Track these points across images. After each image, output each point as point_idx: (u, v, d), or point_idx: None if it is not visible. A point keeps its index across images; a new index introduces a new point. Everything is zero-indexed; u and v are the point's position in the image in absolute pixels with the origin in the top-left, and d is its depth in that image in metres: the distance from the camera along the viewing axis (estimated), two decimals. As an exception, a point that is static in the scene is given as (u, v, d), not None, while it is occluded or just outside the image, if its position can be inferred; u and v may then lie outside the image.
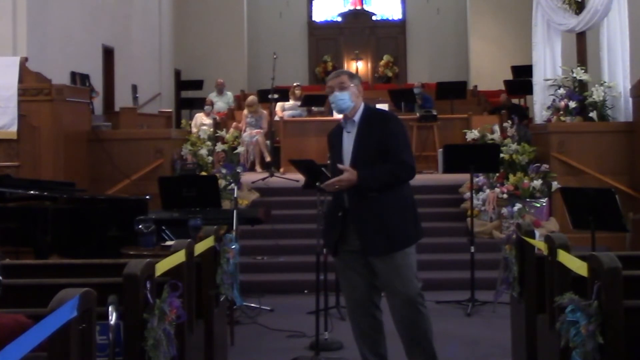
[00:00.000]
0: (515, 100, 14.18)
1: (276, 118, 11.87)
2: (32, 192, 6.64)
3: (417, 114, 12.18)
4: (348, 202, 4.08)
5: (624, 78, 8.62)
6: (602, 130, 8.54)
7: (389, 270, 4.05)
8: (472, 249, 6.89)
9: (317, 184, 5.52)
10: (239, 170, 9.16)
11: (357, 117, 4.15)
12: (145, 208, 6.18)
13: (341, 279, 4.25)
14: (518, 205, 8.14)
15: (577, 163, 8.35)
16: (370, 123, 4.12)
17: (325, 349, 5.38)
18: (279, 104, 12.20)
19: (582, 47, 9.13)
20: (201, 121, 12.05)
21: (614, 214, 5.50)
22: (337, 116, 12.66)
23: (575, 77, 8.90)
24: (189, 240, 4.24)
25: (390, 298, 4.12)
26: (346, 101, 4.11)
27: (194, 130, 10.47)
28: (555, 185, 8.18)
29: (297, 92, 13.16)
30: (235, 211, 6.16)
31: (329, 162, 5.52)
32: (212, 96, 14.27)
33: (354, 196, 4.06)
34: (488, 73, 16.74)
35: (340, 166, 4.04)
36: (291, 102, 12.89)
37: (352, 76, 4.24)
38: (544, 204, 8.29)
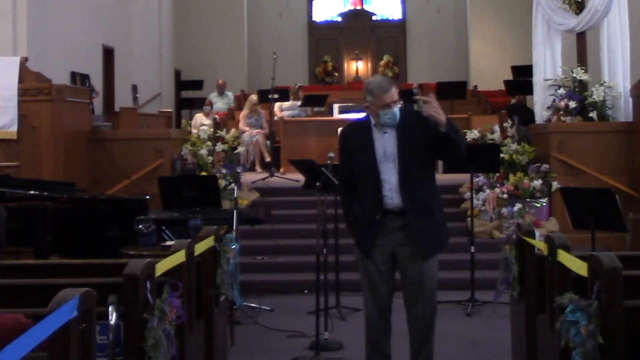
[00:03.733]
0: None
1: (275, 118, 11.86)
2: (32, 192, 6.64)
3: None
4: (403, 203, 4.01)
5: (624, 78, 8.62)
6: (602, 130, 8.54)
7: (423, 269, 4.06)
8: (472, 249, 6.89)
9: (317, 184, 5.54)
10: (239, 170, 9.16)
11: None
12: (145, 208, 6.17)
13: (365, 282, 4.20)
14: (518, 205, 8.14)
15: (577, 163, 8.35)
16: (409, 123, 4.09)
17: (325, 349, 5.38)
18: (277, 104, 12.16)
19: (582, 47, 9.13)
20: (200, 121, 12.04)
21: (614, 214, 5.51)
22: (338, 116, 12.75)
23: (575, 77, 8.90)
24: (189, 240, 4.24)
25: (414, 295, 4.11)
26: (398, 116, 4.06)
27: (193, 131, 10.47)
28: (555, 185, 8.18)
29: (300, 93, 13.17)
30: (235, 211, 6.16)
31: (330, 157, 5.54)
32: (213, 96, 14.27)
33: (409, 196, 4.01)
34: (488, 73, 16.74)
35: (423, 98, 3.94)
36: (289, 103, 12.87)
37: (394, 85, 4.17)
38: (544, 204, 8.29)
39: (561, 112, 8.79)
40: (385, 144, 4.07)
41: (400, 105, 4.09)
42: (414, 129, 4.07)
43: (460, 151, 4.08)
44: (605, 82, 8.66)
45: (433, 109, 3.87)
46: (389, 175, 4.04)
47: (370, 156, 4.06)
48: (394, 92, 4.06)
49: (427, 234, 4.07)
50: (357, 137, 4.17)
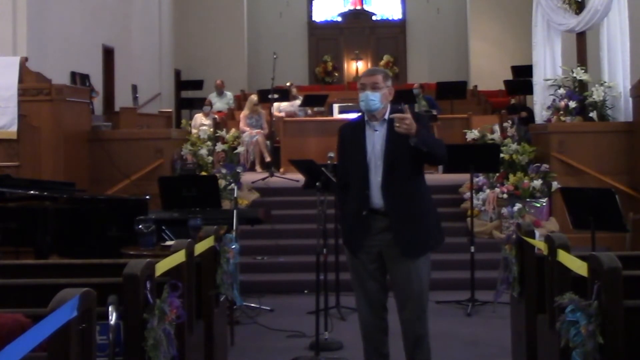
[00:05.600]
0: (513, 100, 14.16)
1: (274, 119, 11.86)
2: (32, 192, 6.64)
3: (417, 114, 12.13)
4: (385, 203, 4.01)
5: (624, 78, 8.62)
6: (602, 130, 8.54)
7: (411, 269, 4.04)
8: (472, 249, 6.89)
9: (317, 184, 5.54)
10: (239, 170, 9.16)
11: (387, 117, 4.07)
12: (145, 208, 6.17)
13: (354, 280, 4.21)
14: (518, 205, 8.14)
15: (577, 163, 8.35)
16: None
17: (325, 349, 5.38)
18: (274, 105, 12.15)
19: (582, 47, 9.13)
20: (200, 121, 12.04)
21: (614, 214, 5.50)
22: (338, 116, 12.77)
23: (575, 77, 8.91)
24: (189, 240, 4.24)
25: (402, 297, 4.10)
26: (376, 103, 4.02)
27: (193, 131, 10.46)
28: (555, 185, 8.19)
29: (294, 90, 13.17)
30: (235, 211, 6.16)
31: (330, 157, 5.54)
32: (212, 97, 14.28)
33: (391, 196, 4.00)
34: (488, 73, 16.75)
35: (404, 108, 3.88)
36: (286, 104, 12.87)
37: (387, 77, 4.11)
38: (544, 204, 8.29)
39: (561, 112, 8.79)
40: (375, 141, 4.06)
41: (377, 92, 4.00)
42: None
43: (437, 159, 4.07)
44: (605, 82, 8.66)
45: (404, 126, 3.80)
46: (376, 174, 4.04)
47: (360, 154, 4.05)
48: (376, 78, 4.04)
49: (409, 234, 4.02)
50: (352, 135, 4.17)
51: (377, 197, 4.03)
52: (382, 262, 4.11)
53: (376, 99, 4.02)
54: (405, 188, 4.02)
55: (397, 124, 3.81)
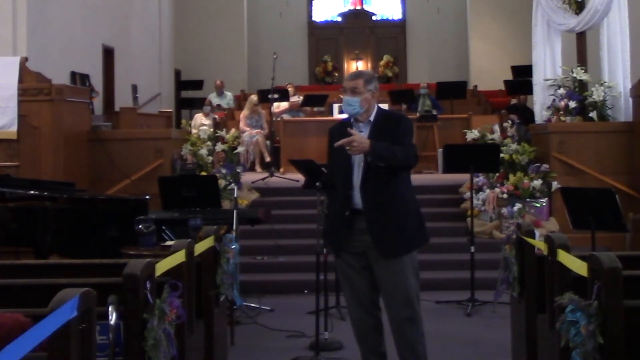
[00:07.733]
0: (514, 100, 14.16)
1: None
2: (32, 192, 6.64)
3: (417, 114, 12.19)
4: (362, 203, 4.03)
5: (624, 78, 8.63)
6: (602, 130, 8.54)
7: (394, 271, 4.03)
8: (472, 249, 6.89)
9: (317, 184, 5.54)
10: (239, 170, 9.16)
11: (371, 119, 4.10)
12: (145, 208, 6.16)
13: (342, 280, 4.23)
14: (518, 205, 8.14)
15: (577, 163, 8.35)
16: (385, 125, 4.09)
17: (325, 349, 5.38)
18: (274, 104, 12.13)
19: (582, 47, 9.14)
20: (200, 121, 12.04)
21: (614, 214, 5.51)
22: (338, 116, 12.78)
23: (575, 77, 8.91)
24: (189, 240, 4.24)
25: (389, 298, 4.10)
26: (355, 107, 4.06)
27: (193, 131, 10.46)
28: (555, 185, 8.19)
29: (290, 89, 13.18)
30: (235, 211, 6.16)
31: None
32: (212, 97, 14.28)
33: (369, 196, 4.01)
34: (488, 73, 16.75)
35: (350, 130, 3.96)
36: (286, 104, 12.86)
37: (369, 81, 4.12)
38: (544, 204, 8.29)
39: (561, 112, 8.80)
40: None
41: (356, 97, 4.05)
42: (386, 130, 4.06)
43: (400, 167, 4.05)
44: (605, 82, 8.66)
45: (354, 149, 3.89)
46: (357, 175, 4.06)
47: (345, 154, 4.05)
48: (356, 82, 4.08)
49: (384, 235, 4.01)
50: (339, 135, 4.15)
51: (358, 198, 4.05)
52: (369, 262, 4.11)
53: (355, 103, 4.06)
54: (383, 188, 4.03)
55: (348, 148, 3.89)
